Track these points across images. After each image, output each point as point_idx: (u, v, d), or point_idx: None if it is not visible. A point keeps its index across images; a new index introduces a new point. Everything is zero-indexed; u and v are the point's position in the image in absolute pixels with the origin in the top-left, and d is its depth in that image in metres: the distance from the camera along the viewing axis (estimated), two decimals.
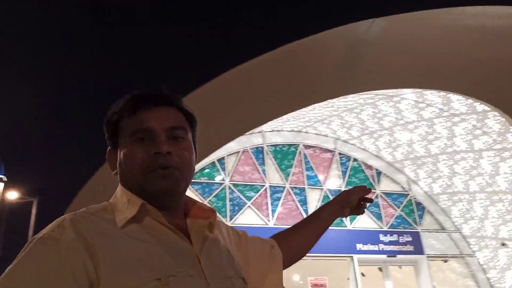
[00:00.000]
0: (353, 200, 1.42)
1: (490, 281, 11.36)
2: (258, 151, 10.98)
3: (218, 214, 9.17)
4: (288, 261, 1.33)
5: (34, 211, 14.32)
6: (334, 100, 8.99)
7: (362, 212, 1.44)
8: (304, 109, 9.05)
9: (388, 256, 11.00)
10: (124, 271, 0.86)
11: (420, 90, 8.19)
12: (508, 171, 9.44)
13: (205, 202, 10.00)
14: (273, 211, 10.42)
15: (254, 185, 10.61)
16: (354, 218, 11.18)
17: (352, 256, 10.65)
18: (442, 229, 11.92)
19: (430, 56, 6.46)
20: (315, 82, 6.66)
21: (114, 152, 1.08)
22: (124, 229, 0.95)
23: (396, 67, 6.66)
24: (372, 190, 11.73)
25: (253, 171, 10.78)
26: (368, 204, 1.46)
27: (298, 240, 1.38)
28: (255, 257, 1.23)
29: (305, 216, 9.08)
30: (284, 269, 1.29)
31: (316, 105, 8.97)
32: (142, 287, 0.85)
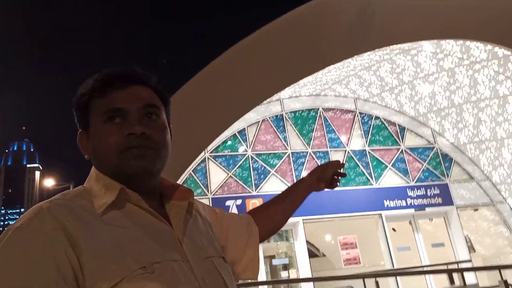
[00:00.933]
0: (328, 174, 1.45)
1: None
2: (278, 119, 10.99)
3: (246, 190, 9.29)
4: (265, 234, 1.34)
5: None
6: (350, 60, 8.81)
7: (335, 186, 1.47)
8: (320, 72, 8.93)
9: (416, 210, 11.03)
10: (108, 261, 0.83)
11: (437, 40, 7.93)
12: None
13: (230, 174, 10.30)
14: (298, 177, 10.50)
15: (276, 153, 10.69)
16: (380, 176, 11.18)
17: (380, 213, 10.72)
18: (471, 178, 11.79)
19: (445, 5, 6.23)
20: (330, 43, 6.55)
21: (86, 134, 1.03)
22: (104, 216, 0.91)
23: (411, 20, 6.46)
24: (397, 147, 11.65)
25: (275, 139, 10.83)
26: (341, 178, 1.48)
27: (274, 214, 1.39)
28: (233, 234, 1.23)
29: None
30: (260, 242, 1.30)
31: (332, 67, 8.82)
32: (128, 278, 0.83)
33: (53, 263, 0.80)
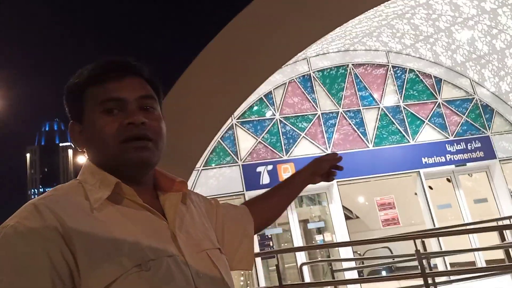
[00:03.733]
0: (324, 167, 1.44)
1: None
2: (305, 80, 10.48)
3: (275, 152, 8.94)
4: (260, 226, 1.35)
5: None
6: (382, 7, 8.12)
7: (331, 179, 1.46)
8: (350, 24, 8.30)
9: (456, 166, 10.50)
10: (103, 259, 0.83)
11: None
12: None
13: (259, 140, 9.97)
14: (329, 139, 10.10)
15: (305, 115, 10.26)
16: (417, 132, 10.63)
17: (418, 171, 10.26)
18: None
19: None
20: None
21: (78, 125, 1.01)
22: (98, 211, 0.90)
23: None
24: (433, 100, 11.00)
25: (303, 101, 10.36)
26: (336, 172, 1.46)
27: (269, 206, 1.39)
28: (228, 224, 1.22)
29: (364, 139, 8.71)
30: (255, 233, 1.30)
31: (362, 17, 8.17)
32: (124, 276, 0.82)
33: (49, 262, 0.79)
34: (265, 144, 9.85)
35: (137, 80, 1.03)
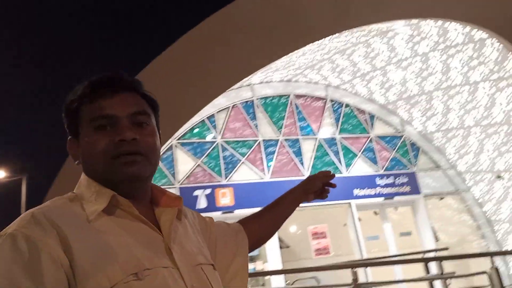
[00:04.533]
0: (317, 185, 1.45)
1: (486, 214, 11.51)
2: (248, 106, 10.53)
3: (212, 174, 8.75)
4: (253, 245, 1.35)
5: (24, 189, 14.06)
6: (326, 41, 8.49)
7: (325, 197, 1.48)
8: (294, 55, 8.55)
9: (385, 199, 10.99)
10: (99, 268, 0.84)
11: (416, 21, 7.75)
12: (504, 101, 9.25)
13: (198, 163, 9.74)
14: (268, 166, 10.14)
15: (246, 140, 10.25)
16: (350, 165, 11.04)
17: (349, 202, 10.57)
18: (437, 167, 11.89)
19: None
20: (310, 19, 6.13)
21: (75, 141, 1.04)
22: (95, 222, 0.92)
23: None
24: (366, 135, 11.55)
25: (245, 126, 10.37)
26: (330, 189, 1.49)
27: (263, 224, 1.40)
28: (222, 242, 1.24)
29: (301, 168, 8.81)
30: (249, 252, 1.31)
31: (307, 49, 8.46)
32: (120, 284, 0.84)
33: (47, 270, 0.80)
34: (204, 168, 9.64)
35: (130, 95, 1.03)
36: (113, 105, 1.00)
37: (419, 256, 8.49)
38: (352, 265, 6.26)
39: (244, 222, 1.38)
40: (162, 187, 1.14)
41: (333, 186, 1.48)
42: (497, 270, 5.22)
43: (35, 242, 0.82)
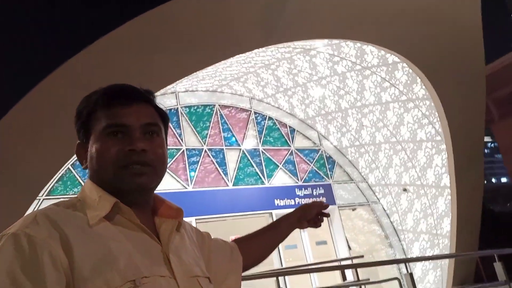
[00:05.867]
0: (311, 213, 1.49)
1: (393, 224, 12.45)
2: (172, 113, 10.40)
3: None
4: (248, 264, 1.38)
5: None
6: (253, 54, 8.72)
7: (319, 226, 1.51)
8: (221, 65, 8.65)
9: None
10: (98, 272, 0.84)
11: (337, 41, 8.27)
12: (411, 120, 10.16)
13: None
14: (191, 175, 10.05)
15: (169, 149, 10.05)
16: (271, 176, 11.33)
17: (271, 212, 10.82)
18: (350, 180, 12.65)
19: (351, 5, 6.46)
20: (240, 31, 6.26)
21: (84, 145, 1.05)
22: (96, 227, 0.93)
23: (319, 15, 6.56)
24: (287, 147, 11.96)
25: (168, 135, 10.18)
26: (324, 218, 1.52)
27: (256, 246, 1.43)
28: (216, 258, 1.25)
29: (224, 178, 8.81)
30: (243, 272, 1.34)
31: (234, 60, 8.62)
32: None
33: (48, 270, 0.80)
34: None
35: (144, 106, 1.05)
36: (127, 114, 1.01)
37: (336, 264, 8.91)
38: (274, 273, 6.42)
39: (240, 242, 1.40)
40: None
41: (327, 215, 1.52)
42: (411, 275, 5.68)
43: (37, 242, 0.83)
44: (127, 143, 0.99)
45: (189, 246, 1.12)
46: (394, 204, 12.35)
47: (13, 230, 0.85)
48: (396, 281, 6.66)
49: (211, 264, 1.22)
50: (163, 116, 1.12)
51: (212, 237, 1.34)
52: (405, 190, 11.99)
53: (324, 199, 11.78)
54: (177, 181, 9.86)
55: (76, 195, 1.03)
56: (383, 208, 12.64)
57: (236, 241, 1.41)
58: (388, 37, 7.28)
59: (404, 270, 12.26)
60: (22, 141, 6.14)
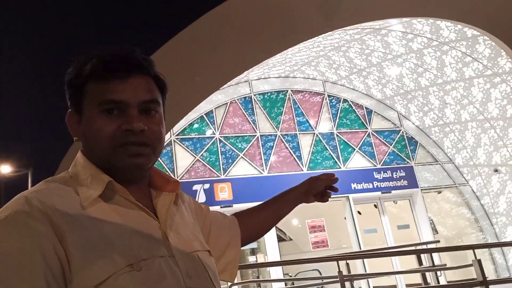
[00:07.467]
0: (319, 187, 1.40)
1: (484, 207, 11.62)
2: (247, 101, 10.72)
3: (212, 169, 8.95)
4: (247, 239, 1.33)
5: (30, 183, 14.29)
6: (320, 39, 8.62)
7: (326, 200, 1.42)
8: (290, 52, 8.70)
9: (382, 193, 11.13)
10: (95, 257, 0.82)
11: (407, 19, 7.85)
12: (499, 96, 9.34)
13: (197, 158, 9.98)
14: (266, 160, 10.34)
15: (245, 136, 10.45)
16: (347, 159, 11.19)
17: (347, 196, 10.74)
18: (435, 161, 12.00)
19: None
20: (300, 19, 6.29)
21: (77, 116, 0.98)
22: (90, 209, 0.88)
23: None
24: (364, 130, 11.68)
25: (243, 122, 10.57)
26: (331, 193, 1.43)
27: (258, 220, 1.37)
28: (215, 231, 1.23)
29: (299, 162, 8.95)
30: (241, 246, 1.29)
31: (302, 46, 8.61)
32: (116, 275, 0.82)
33: (42, 259, 0.78)
34: (204, 163, 9.87)
35: (142, 80, 0.98)
36: (125, 90, 0.94)
37: (412, 248, 8.65)
38: (339, 257, 6.48)
39: (240, 215, 1.35)
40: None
41: (336, 190, 1.43)
42: (479, 261, 5.37)
43: (30, 228, 0.79)
44: (124, 121, 0.93)
45: (188, 219, 1.09)
46: (484, 186, 11.51)
47: (3, 215, 0.81)
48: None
49: (210, 238, 1.19)
50: (162, 86, 1.04)
51: (211, 210, 1.29)
52: (496, 170, 11.11)
53: (406, 182, 11.38)
54: (254, 166, 10.21)
55: (67, 170, 0.99)
56: (472, 190, 11.84)
57: (237, 215, 1.35)
58: (462, 11, 6.75)
59: (497, 256, 11.50)
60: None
